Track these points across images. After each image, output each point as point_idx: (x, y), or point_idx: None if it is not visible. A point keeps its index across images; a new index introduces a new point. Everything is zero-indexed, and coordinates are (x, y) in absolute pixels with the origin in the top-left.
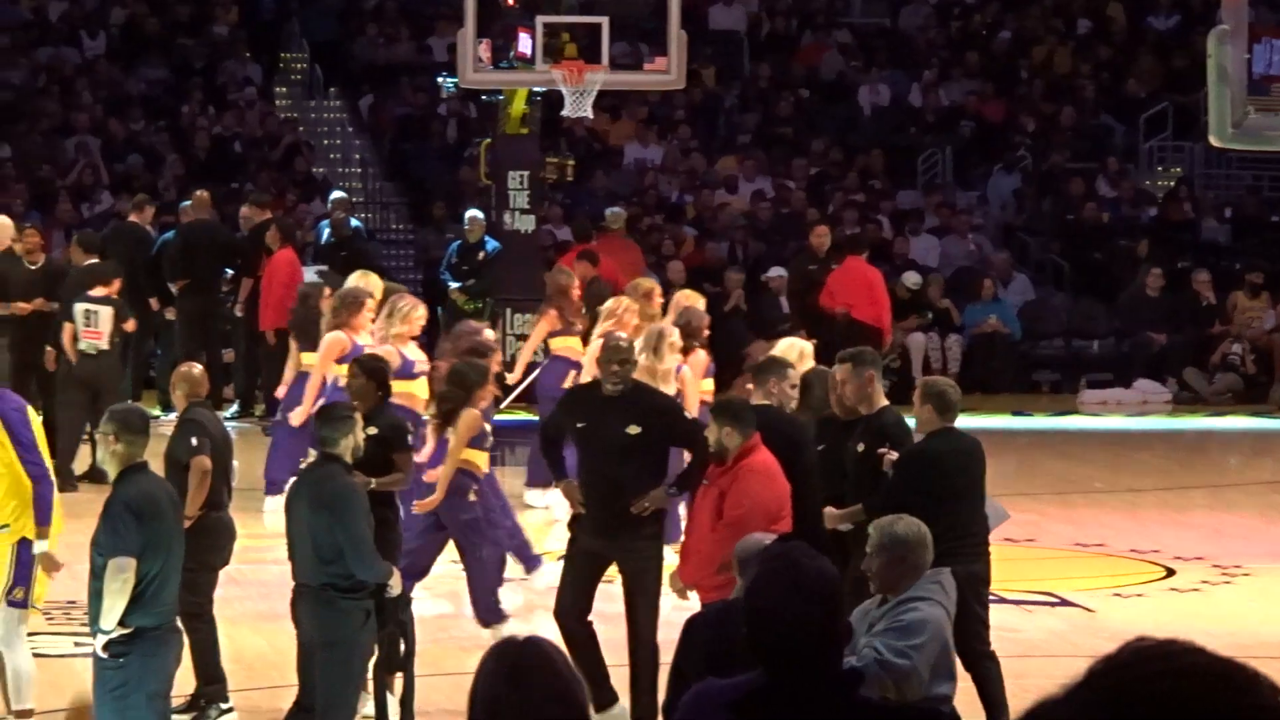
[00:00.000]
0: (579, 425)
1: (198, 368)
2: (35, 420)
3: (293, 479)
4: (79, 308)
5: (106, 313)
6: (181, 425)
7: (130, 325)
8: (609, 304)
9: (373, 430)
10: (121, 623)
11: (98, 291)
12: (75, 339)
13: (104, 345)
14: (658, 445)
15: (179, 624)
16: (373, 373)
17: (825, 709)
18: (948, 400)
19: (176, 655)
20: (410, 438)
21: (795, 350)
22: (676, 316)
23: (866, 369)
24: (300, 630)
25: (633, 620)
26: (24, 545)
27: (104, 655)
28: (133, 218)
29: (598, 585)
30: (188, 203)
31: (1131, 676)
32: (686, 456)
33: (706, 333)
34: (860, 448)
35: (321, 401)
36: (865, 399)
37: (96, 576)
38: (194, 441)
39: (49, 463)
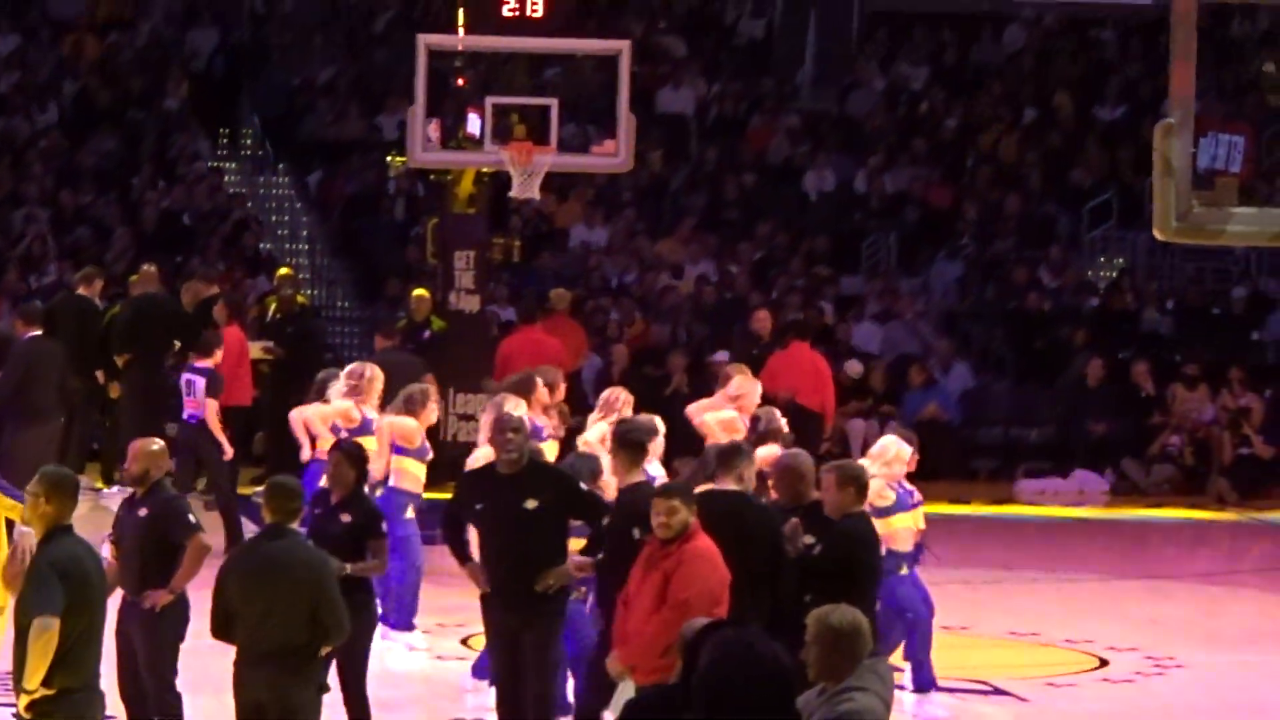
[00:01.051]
0: (478, 506)
1: (159, 443)
2: None
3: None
4: (183, 378)
5: (201, 383)
6: (168, 503)
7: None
8: (604, 395)
9: (347, 518)
10: (45, 683)
11: (199, 363)
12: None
13: (201, 415)
14: (556, 518)
15: (100, 686)
16: (355, 461)
17: None
18: (864, 484)
19: (99, 717)
20: (383, 524)
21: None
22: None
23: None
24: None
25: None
26: None
27: (27, 716)
28: (81, 290)
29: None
30: (136, 276)
31: None
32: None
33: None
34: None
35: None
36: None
37: (20, 640)
38: (191, 519)
39: None
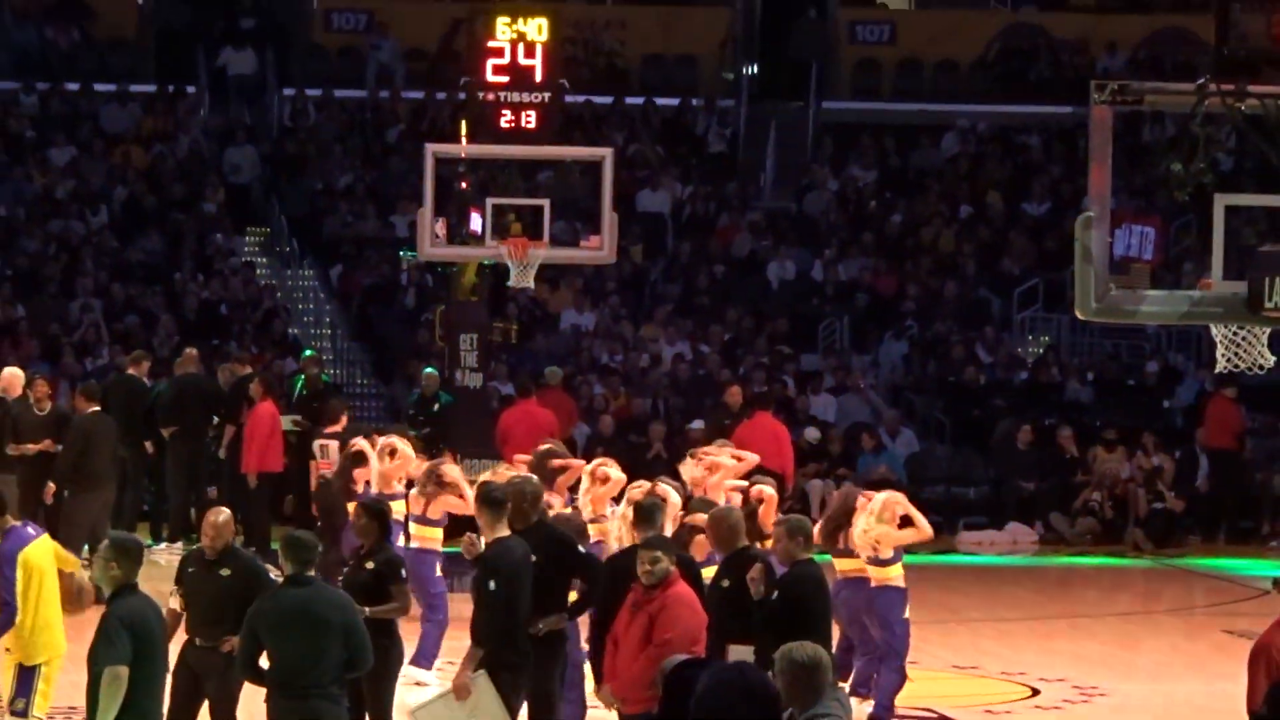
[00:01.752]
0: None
1: (226, 512)
2: (41, 553)
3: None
4: (317, 444)
5: (333, 446)
6: (249, 565)
7: None
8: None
9: (371, 565)
10: None
11: (330, 429)
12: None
13: (329, 474)
14: (554, 573)
15: None
16: (376, 515)
17: None
18: (809, 534)
19: None
20: (404, 571)
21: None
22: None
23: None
24: None
25: None
26: (27, 669)
27: None
28: (130, 370)
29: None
30: (179, 358)
31: None
32: None
33: None
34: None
35: None
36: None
37: (93, 686)
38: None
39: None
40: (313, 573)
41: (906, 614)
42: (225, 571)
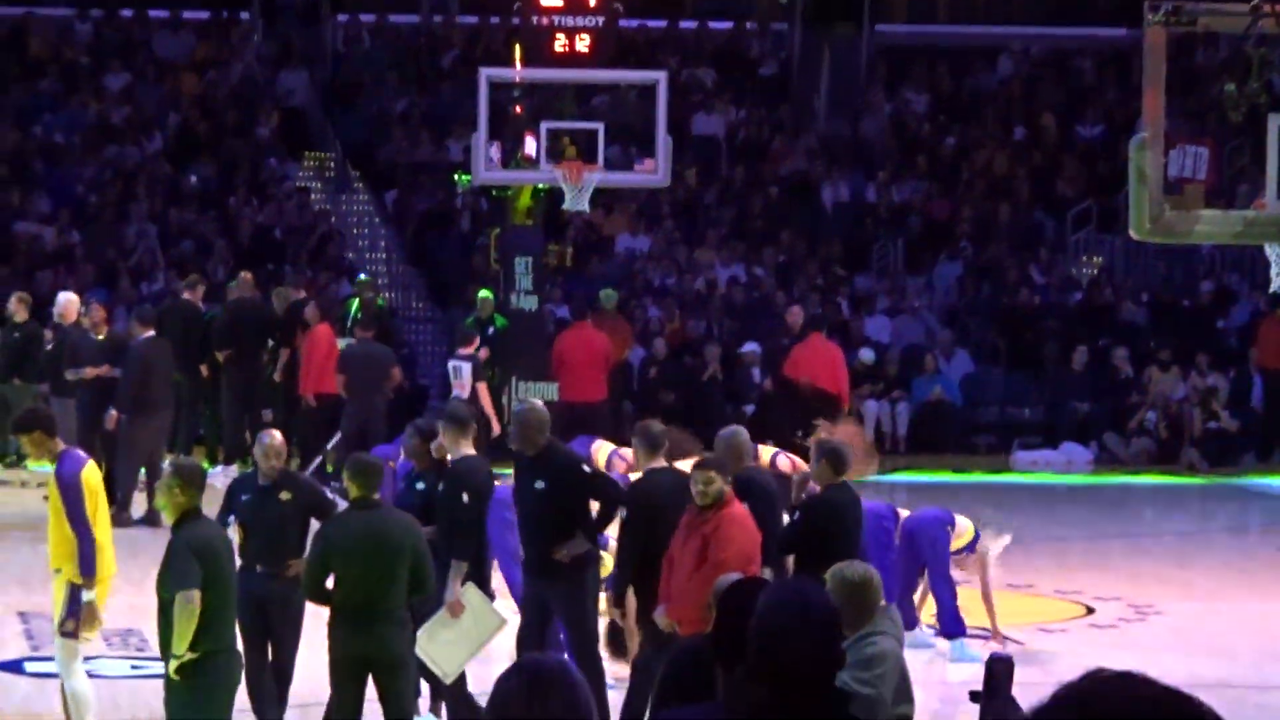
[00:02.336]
0: (513, 488)
1: (280, 436)
2: (95, 476)
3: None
4: (450, 364)
5: (467, 369)
6: (310, 488)
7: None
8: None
9: (421, 485)
10: (191, 649)
11: (462, 351)
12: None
13: (464, 397)
14: (566, 497)
15: (239, 648)
16: (425, 436)
17: None
18: (840, 457)
19: (237, 676)
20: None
21: None
22: None
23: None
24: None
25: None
26: (76, 586)
27: (176, 678)
28: (186, 295)
29: (550, 623)
30: (234, 283)
31: (1093, 701)
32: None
33: None
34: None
35: None
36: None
37: (164, 612)
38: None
39: (96, 519)
40: (378, 495)
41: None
42: (285, 495)
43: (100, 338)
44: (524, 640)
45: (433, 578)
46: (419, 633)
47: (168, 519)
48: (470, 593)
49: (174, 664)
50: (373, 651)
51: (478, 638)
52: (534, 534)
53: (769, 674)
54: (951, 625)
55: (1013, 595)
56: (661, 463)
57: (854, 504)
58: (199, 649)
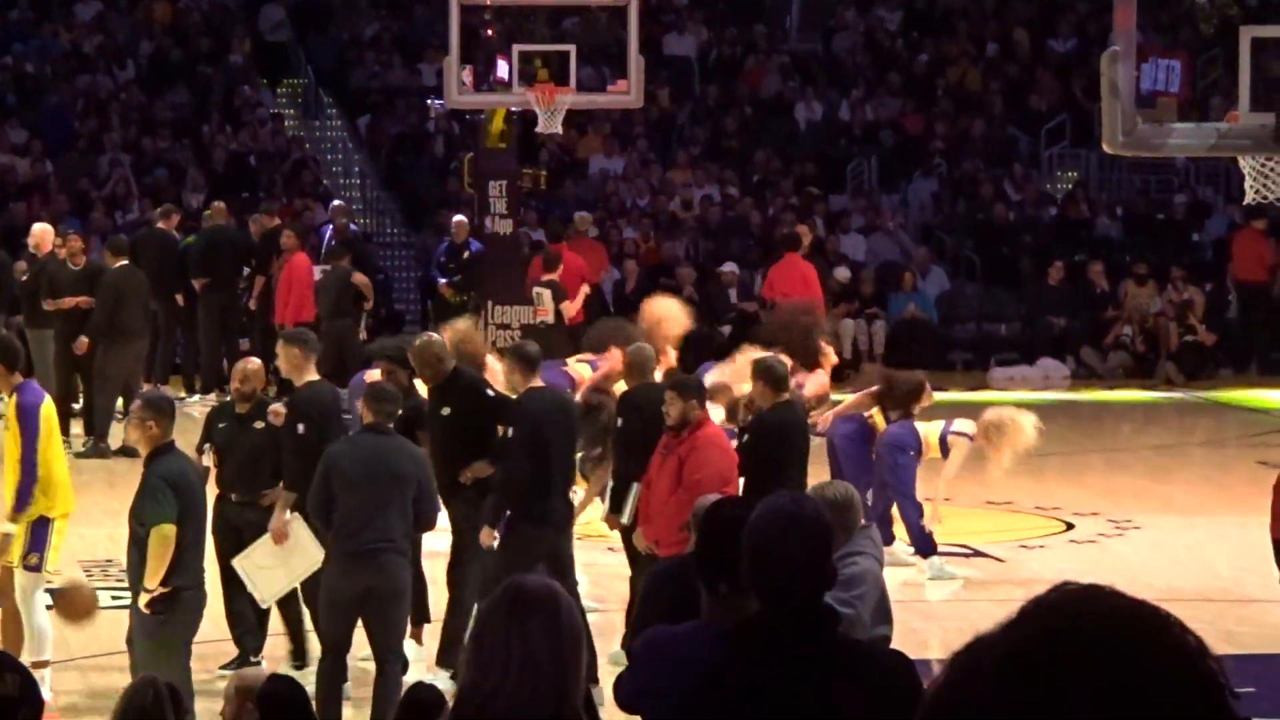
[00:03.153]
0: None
1: (257, 361)
2: (52, 410)
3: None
4: (535, 290)
5: (548, 294)
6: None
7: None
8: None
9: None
10: (162, 583)
11: (545, 277)
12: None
13: (550, 320)
14: (470, 422)
15: (205, 584)
16: (400, 364)
17: (811, 642)
18: (778, 376)
19: (201, 612)
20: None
21: None
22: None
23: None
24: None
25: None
26: (40, 522)
27: (147, 611)
28: (160, 225)
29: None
30: (208, 212)
31: (1061, 614)
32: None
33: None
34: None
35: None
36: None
37: (137, 545)
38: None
39: (50, 453)
40: (391, 425)
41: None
42: (259, 424)
43: (77, 267)
44: (451, 566)
45: (435, 513)
46: (240, 556)
47: (141, 452)
48: (297, 524)
49: (145, 597)
50: (373, 580)
51: (294, 570)
52: (441, 458)
53: (760, 589)
54: (921, 543)
55: (992, 512)
56: (538, 382)
57: (800, 421)
58: (169, 583)
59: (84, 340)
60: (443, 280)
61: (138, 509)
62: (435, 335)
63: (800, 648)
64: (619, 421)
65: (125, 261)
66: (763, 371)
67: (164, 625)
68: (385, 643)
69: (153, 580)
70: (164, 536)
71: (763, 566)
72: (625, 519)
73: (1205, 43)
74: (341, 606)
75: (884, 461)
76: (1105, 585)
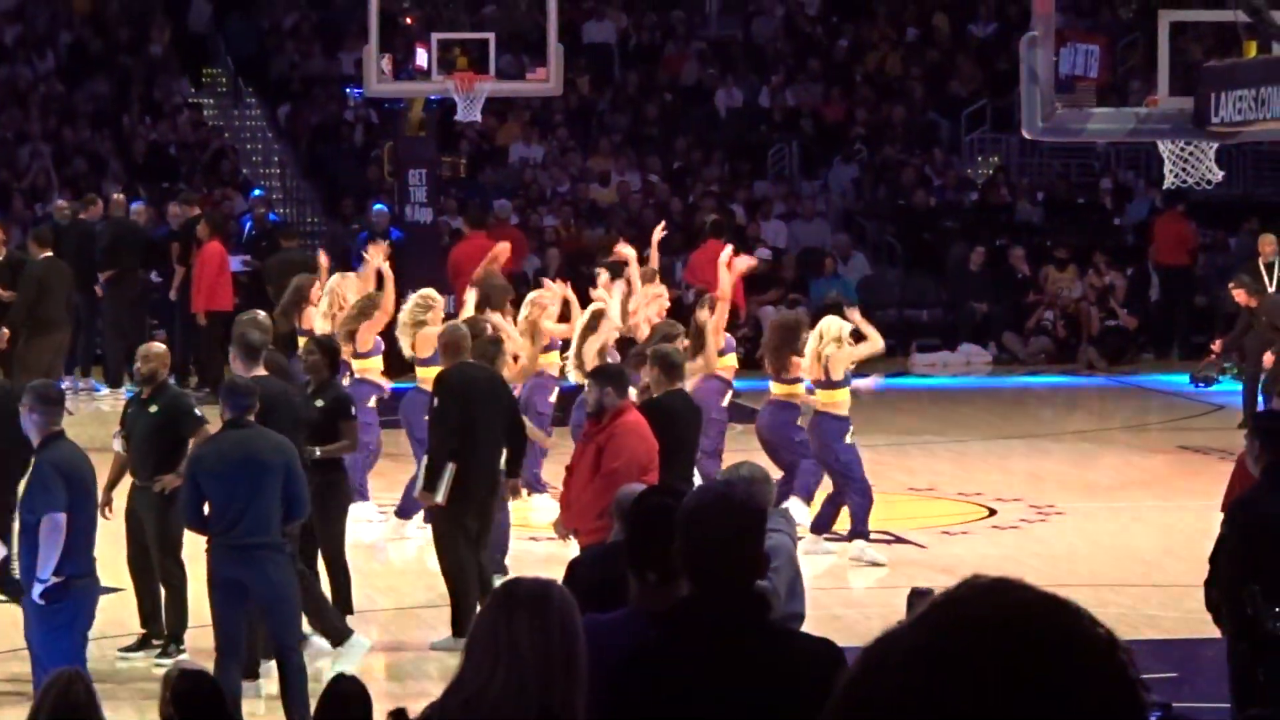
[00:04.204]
0: None
1: (161, 345)
2: None
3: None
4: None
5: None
6: (176, 400)
7: None
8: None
9: (321, 402)
10: (55, 572)
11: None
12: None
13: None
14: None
15: (97, 572)
16: (326, 351)
17: (742, 627)
18: (672, 365)
19: (96, 601)
20: (353, 408)
21: None
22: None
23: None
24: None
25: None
26: None
27: (41, 602)
28: (82, 215)
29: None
30: (110, 203)
31: (968, 608)
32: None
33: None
34: None
35: None
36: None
37: (26, 534)
38: (197, 413)
39: None
40: (251, 417)
41: (848, 439)
42: (153, 408)
43: None
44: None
45: (305, 501)
46: None
47: (33, 441)
48: None
49: (39, 589)
50: (246, 577)
51: None
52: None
53: (693, 573)
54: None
55: (915, 499)
56: (469, 359)
57: (690, 409)
58: (61, 573)
59: (4, 332)
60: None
61: (27, 498)
62: (261, 313)
63: (731, 632)
64: (434, 401)
65: (49, 253)
66: (658, 358)
67: (59, 614)
68: (276, 638)
69: (44, 570)
70: (54, 525)
71: (696, 551)
72: (439, 498)
73: (1124, 26)
74: (223, 599)
75: (823, 444)
76: (1014, 578)
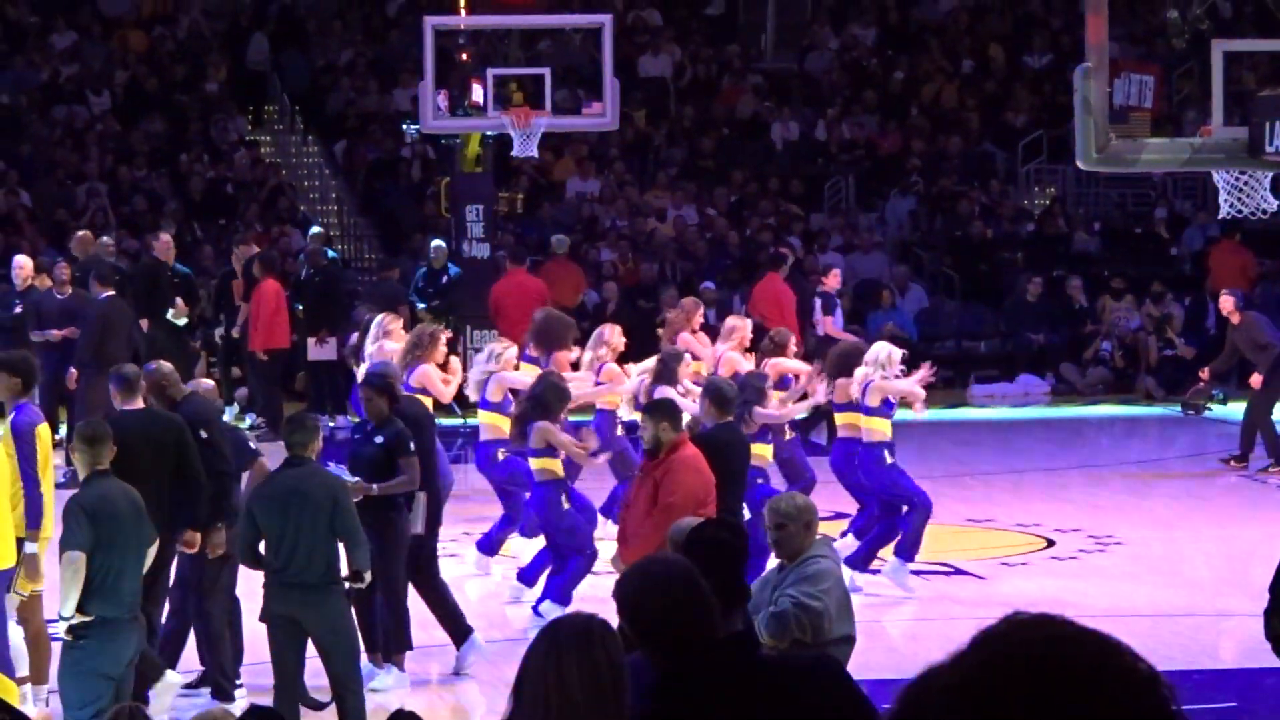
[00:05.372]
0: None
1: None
2: (46, 435)
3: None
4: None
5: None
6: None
7: None
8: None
9: (380, 439)
10: (83, 610)
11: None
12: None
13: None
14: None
15: (140, 615)
16: (382, 390)
17: (724, 675)
18: (724, 398)
19: (135, 642)
20: (411, 444)
21: None
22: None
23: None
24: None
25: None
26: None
27: (68, 638)
28: (155, 253)
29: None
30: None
31: (1009, 645)
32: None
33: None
34: None
35: None
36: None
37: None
38: (252, 445)
39: (42, 473)
40: (310, 453)
41: (889, 461)
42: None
43: (64, 297)
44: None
45: (355, 536)
46: None
47: (80, 477)
48: None
49: (62, 625)
50: (301, 615)
51: None
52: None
53: (639, 638)
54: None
55: (973, 530)
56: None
57: (739, 442)
58: (91, 612)
59: (73, 372)
60: (421, 305)
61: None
62: (166, 364)
63: (724, 686)
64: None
65: (111, 292)
66: (710, 391)
67: (78, 651)
68: (334, 668)
69: (65, 607)
70: (71, 563)
71: (630, 619)
72: (419, 527)
73: (1179, 56)
74: (279, 636)
75: (864, 475)
76: (1055, 615)
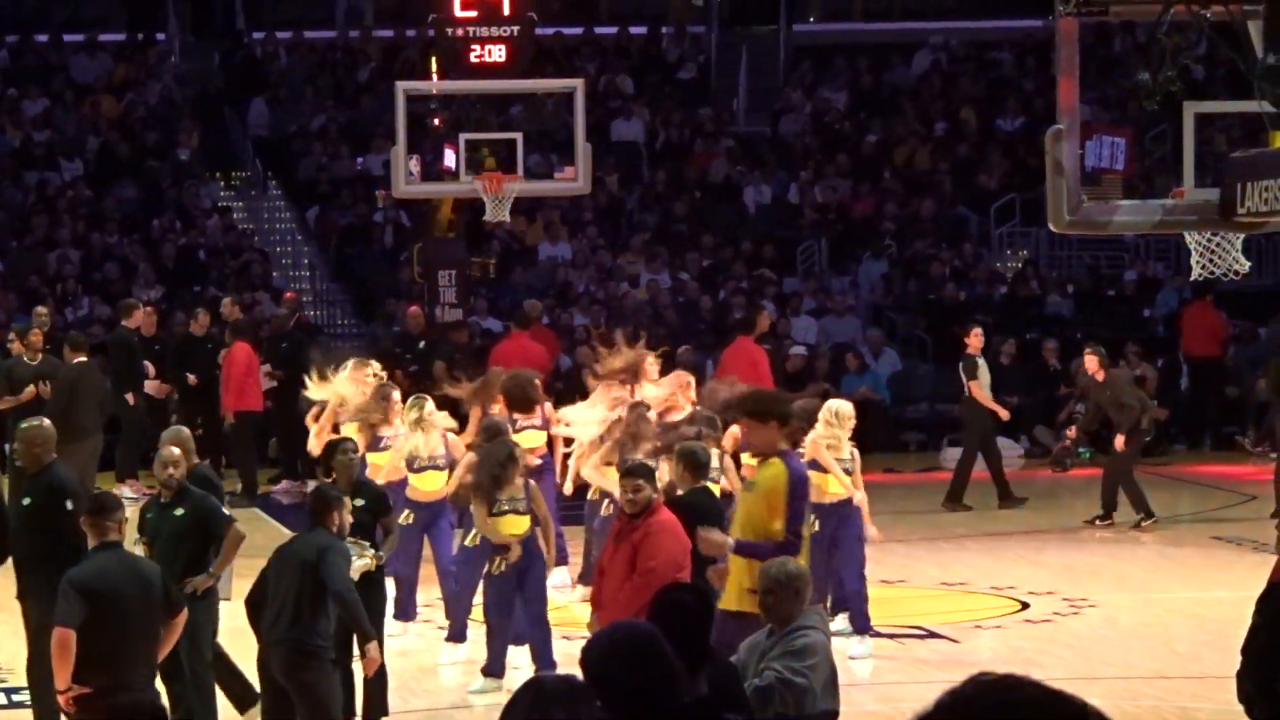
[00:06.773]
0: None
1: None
2: None
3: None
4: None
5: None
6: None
7: None
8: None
9: (360, 501)
10: (80, 683)
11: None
12: None
13: None
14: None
15: (149, 688)
16: (355, 452)
17: None
18: (697, 463)
19: (141, 716)
20: (391, 502)
21: None
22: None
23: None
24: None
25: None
26: None
27: (70, 710)
28: (124, 321)
29: None
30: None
31: (975, 706)
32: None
33: None
34: None
35: None
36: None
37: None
38: (225, 512)
39: None
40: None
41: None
42: (179, 511)
43: (34, 362)
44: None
45: (342, 583)
46: None
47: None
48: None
49: (61, 699)
50: (282, 679)
51: None
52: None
53: (607, 707)
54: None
55: (947, 593)
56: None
57: (713, 506)
58: (90, 684)
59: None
60: (398, 371)
61: None
62: (46, 421)
63: None
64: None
65: (83, 358)
66: (684, 456)
67: None
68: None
69: (59, 682)
70: (58, 639)
71: (596, 689)
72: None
73: (1150, 118)
74: (267, 687)
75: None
76: (1020, 675)
